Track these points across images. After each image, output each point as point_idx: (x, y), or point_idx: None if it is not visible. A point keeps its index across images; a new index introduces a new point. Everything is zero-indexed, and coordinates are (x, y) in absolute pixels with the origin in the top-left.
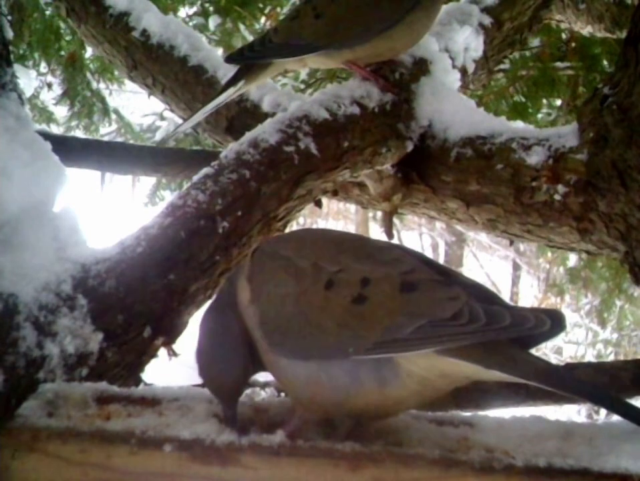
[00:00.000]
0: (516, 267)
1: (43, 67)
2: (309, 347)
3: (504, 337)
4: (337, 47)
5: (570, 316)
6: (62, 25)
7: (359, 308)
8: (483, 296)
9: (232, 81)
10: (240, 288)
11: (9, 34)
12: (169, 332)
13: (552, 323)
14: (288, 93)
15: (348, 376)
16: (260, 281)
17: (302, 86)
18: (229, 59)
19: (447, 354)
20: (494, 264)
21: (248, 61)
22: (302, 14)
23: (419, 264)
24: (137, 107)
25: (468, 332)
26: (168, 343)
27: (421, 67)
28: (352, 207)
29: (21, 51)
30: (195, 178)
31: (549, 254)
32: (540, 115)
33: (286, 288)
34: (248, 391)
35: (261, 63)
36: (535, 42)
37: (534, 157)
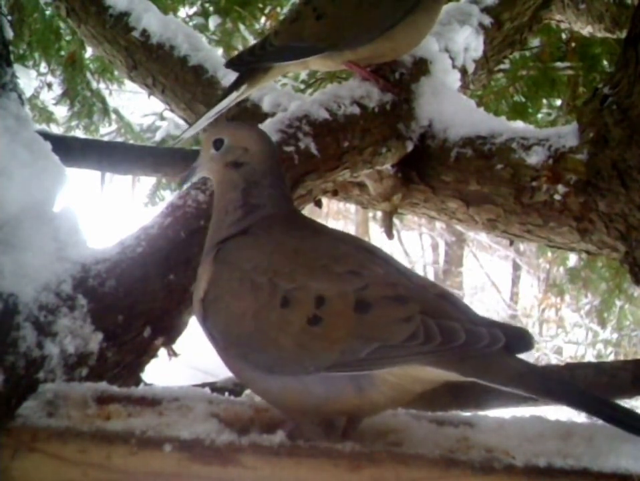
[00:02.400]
0: (516, 267)
1: (43, 67)
2: (271, 362)
3: (458, 357)
4: (339, 49)
5: (570, 317)
6: (62, 25)
7: (314, 329)
8: (443, 303)
9: (235, 86)
10: (196, 288)
11: (9, 34)
12: (169, 332)
13: (517, 341)
14: (288, 93)
15: (324, 385)
16: (217, 292)
17: (302, 86)
18: (229, 64)
19: (422, 363)
20: (494, 264)
21: (249, 65)
22: (302, 16)
23: (375, 276)
24: (137, 107)
25: (423, 352)
26: (168, 343)
27: (421, 67)
28: (352, 207)
29: (21, 51)
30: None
31: (549, 254)
32: (540, 115)
33: (244, 302)
34: (248, 391)
35: (263, 67)
36: (535, 42)
37: (534, 157)
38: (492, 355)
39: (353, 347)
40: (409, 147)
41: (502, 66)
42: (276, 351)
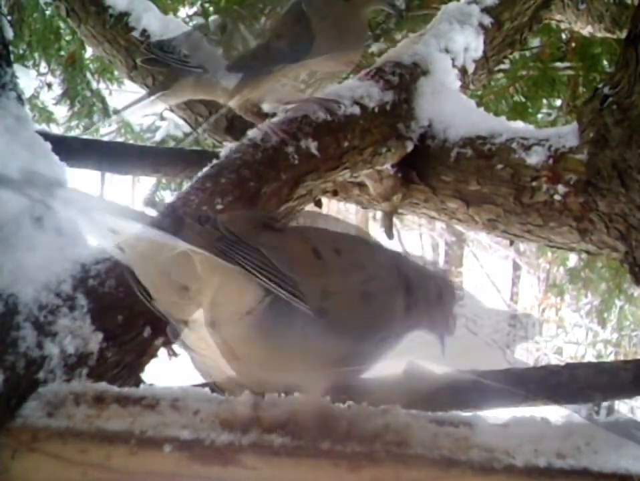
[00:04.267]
0: (516, 267)
1: (43, 67)
2: None
3: None
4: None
5: (570, 316)
6: (62, 25)
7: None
8: None
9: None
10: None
11: (9, 34)
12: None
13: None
14: (288, 93)
15: None
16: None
17: (302, 86)
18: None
19: None
20: (494, 264)
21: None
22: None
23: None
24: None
25: None
26: (168, 343)
27: (421, 67)
28: (352, 207)
29: (21, 51)
30: (195, 178)
31: (549, 254)
32: (540, 115)
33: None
34: (247, 391)
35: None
36: (535, 42)
37: (534, 157)
38: None
39: None
40: (409, 147)
41: (502, 66)
42: None
